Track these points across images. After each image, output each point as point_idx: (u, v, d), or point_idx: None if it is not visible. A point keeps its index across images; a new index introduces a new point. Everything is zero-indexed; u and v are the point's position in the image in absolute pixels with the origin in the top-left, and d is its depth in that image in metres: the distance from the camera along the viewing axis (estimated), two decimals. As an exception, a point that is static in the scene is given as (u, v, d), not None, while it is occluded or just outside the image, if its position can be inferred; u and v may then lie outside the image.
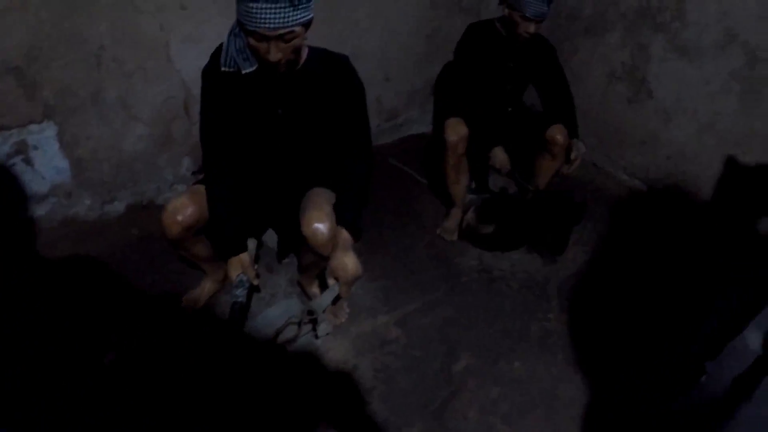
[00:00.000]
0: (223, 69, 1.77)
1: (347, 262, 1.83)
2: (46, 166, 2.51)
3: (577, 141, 2.67)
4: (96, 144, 2.59)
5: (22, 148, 2.41)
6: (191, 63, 2.59)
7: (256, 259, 2.20)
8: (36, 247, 2.52)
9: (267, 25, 1.58)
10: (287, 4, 1.57)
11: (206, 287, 2.30)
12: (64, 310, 2.20)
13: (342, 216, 1.87)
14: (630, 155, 3.34)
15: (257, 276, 1.97)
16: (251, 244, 2.08)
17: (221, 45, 1.77)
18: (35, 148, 2.44)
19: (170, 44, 2.54)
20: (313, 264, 2.12)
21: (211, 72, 1.83)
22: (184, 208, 1.88)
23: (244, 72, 1.75)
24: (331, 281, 1.88)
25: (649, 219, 3.08)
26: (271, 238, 2.26)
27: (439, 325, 2.29)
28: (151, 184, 2.81)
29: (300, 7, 1.60)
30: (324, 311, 1.93)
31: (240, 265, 1.90)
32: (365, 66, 3.19)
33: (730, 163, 2.85)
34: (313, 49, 1.87)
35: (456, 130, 2.50)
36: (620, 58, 3.24)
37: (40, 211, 2.59)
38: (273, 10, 1.56)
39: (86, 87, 2.45)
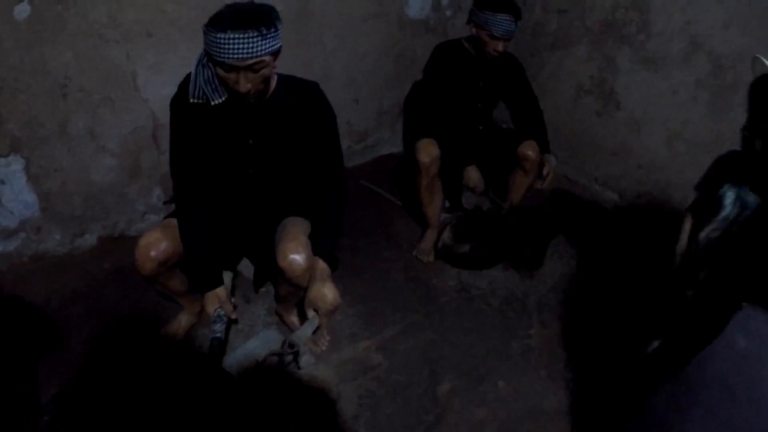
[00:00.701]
0: (191, 100, 1.72)
1: (326, 292, 1.78)
2: (14, 200, 2.44)
3: (548, 155, 2.66)
4: (65, 176, 2.51)
5: (-12, 183, 2.32)
6: (158, 92, 2.53)
7: (233, 291, 2.13)
8: (6, 283, 2.42)
9: (235, 56, 1.54)
10: (256, 34, 1.53)
11: (183, 321, 2.23)
12: (37, 347, 2.12)
13: (318, 246, 1.82)
14: (602, 166, 3.35)
15: (235, 308, 1.91)
16: (227, 277, 2.03)
17: (189, 75, 1.72)
18: (2, 182, 2.37)
19: (137, 73, 2.48)
20: (291, 294, 2.06)
21: (179, 103, 1.78)
22: (157, 243, 1.82)
23: (213, 103, 1.70)
24: (310, 313, 1.82)
25: (623, 228, 3.08)
26: (246, 267, 2.20)
27: (420, 348, 2.25)
28: (123, 216, 2.73)
29: (269, 36, 1.56)
30: (304, 342, 1.87)
31: (217, 300, 1.85)
32: (334, 89, 3.15)
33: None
34: (282, 77, 1.83)
35: (428, 152, 2.47)
36: (588, 72, 3.25)
37: (8, 246, 2.51)
38: (241, 41, 1.52)
39: (53, 118, 2.38)
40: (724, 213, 1.51)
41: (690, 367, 1.81)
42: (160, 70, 2.51)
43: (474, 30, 2.48)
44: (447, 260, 2.68)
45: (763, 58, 1.32)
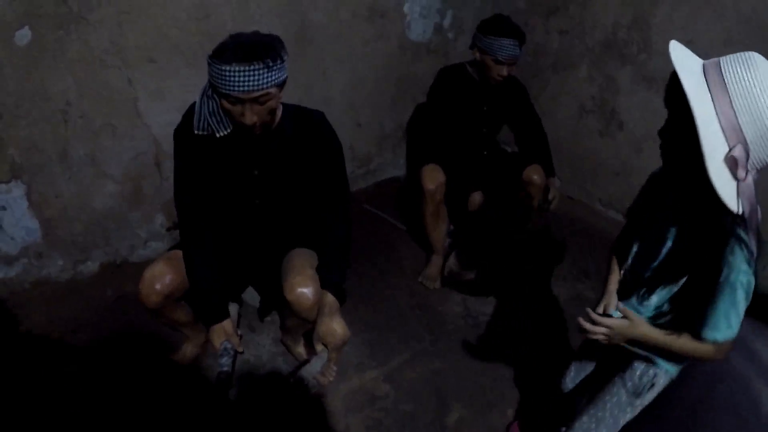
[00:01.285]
0: (196, 132, 1.67)
1: (336, 327, 1.71)
2: (15, 226, 2.38)
3: (553, 179, 2.62)
4: (66, 202, 2.46)
5: (-11, 209, 2.27)
6: (160, 118, 2.48)
7: (238, 322, 2.08)
8: (6, 310, 2.37)
9: (241, 88, 1.49)
10: (261, 66, 1.48)
11: (188, 351, 2.17)
12: (39, 378, 2.07)
13: (326, 279, 1.77)
14: (604, 186, 3.31)
15: (241, 339, 1.86)
16: (233, 309, 1.98)
17: (193, 105, 1.68)
18: (3, 208, 2.32)
19: (138, 99, 2.43)
20: (298, 326, 2.01)
21: (183, 133, 1.73)
22: (162, 276, 1.77)
23: (218, 136, 1.65)
24: (319, 347, 1.77)
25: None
26: (252, 296, 2.15)
27: (428, 377, 2.20)
28: (125, 242, 2.68)
29: (274, 68, 1.52)
30: (313, 377, 1.82)
31: (224, 333, 1.78)
32: (335, 113, 3.10)
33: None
34: (287, 106, 1.79)
35: (433, 178, 2.43)
36: (589, 92, 3.22)
37: (10, 272, 2.46)
38: (247, 73, 1.48)
39: (53, 144, 2.33)
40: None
41: (696, 392, 1.77)
42: (162, 96, 2.46)
43: (478, 55, 2.44)
44: (453, 287, 2.63)
45: (676, 45, 1.20)
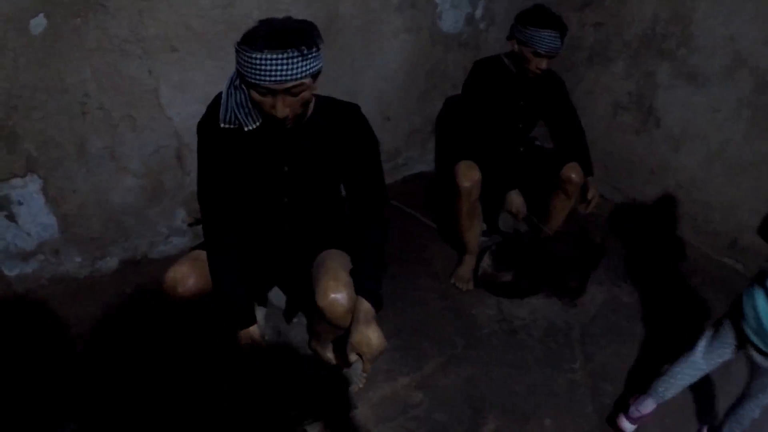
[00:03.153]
0: (222, 125, 1.50)
1: (371, 336, 1.53)
2: (32, 222, 2.24)
3: (592, 178, 2.43)
4: (83, 198, 2.30)
5: (4, 204, 2.14)
6: (183, 110, 2.32)
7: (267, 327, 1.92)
8: (23, 307, 2.25)
9: (273, 78, 1.33)
10: (296, 54, 1.32)
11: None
12: (56, 374, 1.95)
13: (362, 284, 1.59)
14: (638, 186, 3.12)
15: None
16: (260, 314, 1.82)
17: (218, 96, 1.51)
18: (19, 203, 2.17)
19: (160, 90, 2.26)
20: (328, 332, 1.85)
21: (208, 126, 1.56)
22: (184, 280, 1.59)
23: (246, 129, 1.48)
24: (353, 356, 1.60)
25: (662, 250, 2.86)
26: (277, 296, 1.99)
27: (461, 384, 2.03)
28: (145, 239, 2.52)
29: (310, 56, 1.35)
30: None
31: (249, 339, 1.63)
32: (363, 106, 2.84)
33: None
34: (320, 99, 1.62)
35: (469, 175, 2.25)
36: (626, 88, 3.03)
37: (26, 269, 2.31)
38: (280, 62, 1.31)
39: (71, 138, 2.17)
40: None
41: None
42: (184, 88, 2.29)
43: (516, 47, 2.26)
44: (487, 288, 2.45)
45: None
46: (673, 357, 1.78)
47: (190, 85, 2.30)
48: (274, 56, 1.30)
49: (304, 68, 1.35)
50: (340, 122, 1.62)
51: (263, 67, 1.31)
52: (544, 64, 2.22)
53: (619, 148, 3.15)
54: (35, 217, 2.23)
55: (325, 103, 1.63)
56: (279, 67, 1.32)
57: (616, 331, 2.32)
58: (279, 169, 1.62)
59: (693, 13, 2.66)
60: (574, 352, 2.21)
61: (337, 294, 1.55)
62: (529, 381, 2.06)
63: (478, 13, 3.13)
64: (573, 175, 2.37)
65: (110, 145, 2.27)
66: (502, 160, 2.40)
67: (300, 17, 2.47)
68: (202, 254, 1.64)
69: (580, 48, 3.20)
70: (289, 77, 1.33)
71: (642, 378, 2.08)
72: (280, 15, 2.46)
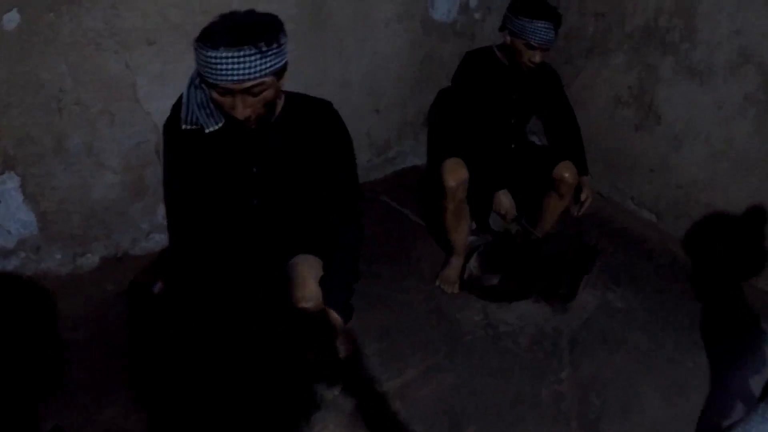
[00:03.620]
0: (184, 126, 1.43)
1: (338, 347, 1.49)
2: (11, 219, 2.19)
3: (586, 178, 2.32)
4: (63, 194, 2.25)
5: (-17, 202, 2.08)
6: (162, 104, 2.18)
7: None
8: (4, 305, 2.18)
9: (230, 78, 1.24)
10: (254, 52, 1.23)
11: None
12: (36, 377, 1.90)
13: (330, 296, 1.52)
14: (638, 184, 2.99)
15: None
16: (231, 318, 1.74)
17: (182, 96, 1.43)
18: (-3, 200, 2.11)
19: (138, 84, 2.19)
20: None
21: (172, 127, 1.49)
22: None
23: (207, 131, 1.40)
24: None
25: (660, 252, 2.74)
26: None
27: (441, 394, 1.94)
28: (126, 235, 2.45)
29: (269, 54, 1.26)
30: None
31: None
32: (353, 97, 2.85)
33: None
34: (290, 95, 1.53)
35: (455, 174, 2.14)
36: (626, 82, 2.89)
37: (7, 266, 2.26)
38: (236, 60, 1.22)
39: (48, 134, 2.12)
40: None
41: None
42: (163, 81, 2.21)
43: (508, 38, 2.14)
44: (473, 292, 2.35)
45: None
46: (666, 367, 1.67)
47: (168, 78, 2.22)
48: (230, 54, 1.22)
49: (262, 66, 1.26)
50: (312, 120, 1.53)
51: (219, 66, 1.23)
52: (537, 56, 2.10)
53: (618, 144, 3.02)
54: (14, 214, 2.18)
55: (296, 100, 1.54)
56: (235, 66, 1.23)
57: (608, 339, 2.21)
58: (248, 171, 1.54)
59: (697, 5, 2.51)
60: (561, 361, 2.10)
61: (305, 305, 1.49)
62: (512, 392, 1.97)
63: (473, 2, 3.00)
64: (566, 175, 2.26)
65: (88, 141, 2.20)
66: (492, 158, 2.27)
67: (285, 5, 2.40)
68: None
69: (580, 39, 3.06)
70: (246, 76, 1.25)
71: (631, 391, 1.99)
72: (262, 3, 2.37)
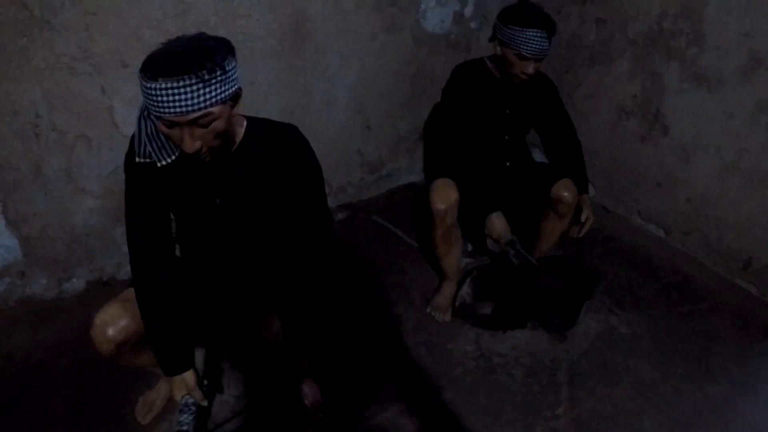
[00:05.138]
0: (137, 160, 1.31)
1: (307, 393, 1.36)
2: (-5, 244, 2.11)
3: (586, 197, 2.13)
4: (44, 220, 2.17)
5: (-36, 228, 2.02)
6: (140, 128, 2.12)
7: (206, 370, 1.72)
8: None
9: (172, 110, 1.11)
10: (195, 81, 1.09)
11: (163, 389, 1.84)
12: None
13: (294, 345, 1.39)
14: (645, 198, 2.77)
15: (206, 389, 1.55)
16: (200, 356, 1.63)
17: None
18: (-21, 227, 2.04)
19: (114, 108, 2.09)
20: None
21: (129, 160, 1.37)
22: (115, 321, 1.44)
23: (159, 165, 1.28)
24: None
25: (668, 270, 2.53)
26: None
27: (428, 432, 1.78)
28: (110, 260, 2.36)
29: (213, 82, 1.12)
30: None
31: (184, 387, 1.47)
32: (341, 116, 2.70)
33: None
34: (252, 121, 1.40)
35: (444, 196, 1.97)
36: (631, 91, 2.68)
37: (-6, 291, 2.19)
38: (177, 91, 1.09)
39: (26, 160, 2.04)
40: None
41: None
42: (139, 104, 2.09)
43: (498, 49, 1.96)
44: (466, 320, 2.17)
45: None
46: (672, 400, 1.47)
47: (145, 101, 2.11)
48: (169, 85, 1.09)
49: (207, 96, 1.12)
50: (276, 147, 1.40)
51: (159, 98, 1.10)
52: (530, 68, 1.92)
53: (623, 157, 2.81)
54: (-3, 239, 2.10)
55: (259, 126, 1.41)
56: (176, 98, 1.10)
57: (610, 370, 2.01)
58: (210, 203, 1.41)
59: (704, 8, 2.29)
60: (559, 396, 1.91)
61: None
62: (504, 430, 1.80)
63: (468, 10, 2.82)
64: (565, 194, 2.06)
65: (67, 167, 2.12)
66: (485, 177, 2.09)
67: (263, 22, 2.26)
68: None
69: (581, 47, 2.86)
70: (189, 108, 1.12)
71: (633, 428, 1.80)
72: (240, 21, 2.25)
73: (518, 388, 1.94)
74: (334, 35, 2.50)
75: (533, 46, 1.85)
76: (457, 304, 2.15)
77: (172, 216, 1.46)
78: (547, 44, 1.88)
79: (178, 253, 1.56)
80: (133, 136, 1.36)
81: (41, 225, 2.16)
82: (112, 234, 2.31)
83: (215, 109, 1.16)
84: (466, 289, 2.13)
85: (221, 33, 2.16)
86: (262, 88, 2.38)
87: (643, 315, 2.27)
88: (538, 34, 1.84)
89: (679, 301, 2.36)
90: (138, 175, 1.37)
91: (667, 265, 2.57)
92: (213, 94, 1.13)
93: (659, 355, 2.08)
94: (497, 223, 2.02)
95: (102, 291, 2.33)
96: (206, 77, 1.11)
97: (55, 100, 1.98)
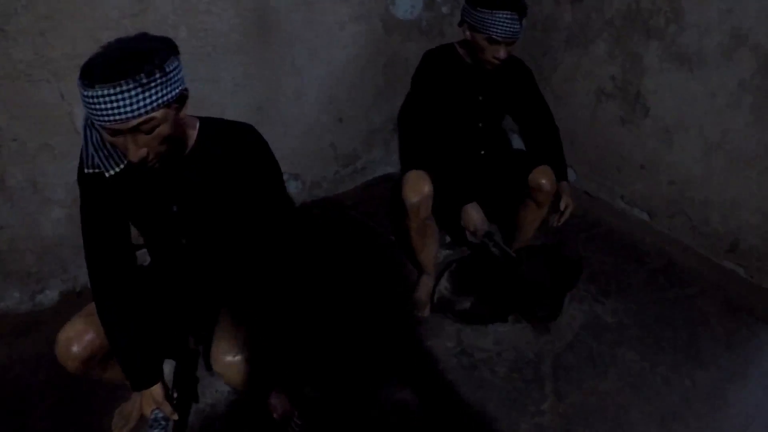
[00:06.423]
0: (86, 170, 1.25)
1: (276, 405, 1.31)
2: (-38, 260, 2.03)
3: (565, 184, 2.05)
4: (12, 233, 2.09)
5: (-71, 244, 1.93)
6: (103, 133, 2.05)
7: (176, 383, 1.67)
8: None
9: (111, 118, 1.04)
10: (133, 86, 1.02)
11: (137, 401, 1.78)
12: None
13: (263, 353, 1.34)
14: (628, 182, 2.70)
15: (176, 402, 1.50)
16: (168, 368, 1.58)
17: None
18: (-54, 241, 1.96)
19: (75, 114, 2.00)
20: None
21: (80, 171, 1.33)
22: (79, 337, 1.42)
23: (107, 175, 1.21)
24: None
25: (654, 254, 2.47)
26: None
27: (409, 434, 1.72)
28: (83, 269, 2.23)
29: (152, 86, 1.05)
30: None
31: (152, 401, 1.42)
32: (311, 109, 2.61)
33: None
34: (205, 122, 1.33)
35: (417, 189, 1.90)
36: (609, 72, 2.59)
37: (-34, 307, 2.11)
38: (114, 98, 1.02)
39: (-12, 173, 1.94)
40: None
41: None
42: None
43: (468, 33, 1.88)
44: (446, 315, 2.10)
45: None
46: (661, 390, 1.42)
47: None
48: (106, 92, 1.02)
49: (147, 101, 1.05)
50: (231, 147, 1.34)
51: (98, 106, 1.03)
52: (501, 52, 1.84)
53: (604, 140, 2.73)
54: (-34, 253, 2.03)
55: (213, 126, 1.34)
56: (115, 105, 1.03)
57: (596, 361, 1.96)
58: (167, 210, 1.35)
59: (683, -16, 2.22)
60: (543, 390, 1.86)
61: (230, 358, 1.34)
62: (488, 428, 1.74)
63: (439, -5, 2.73)
64: (543, 181, 1.99)
65: (31, 177, 2.04)
66: (459, 167, 2.01)
67: (225, 16, 2.18)
68: None
69: (557, 29, 2.77)
70: (129, 114, 1.05)
71: (621, 420, 1.75)
72: (201, 16, 2.15)
73: (502, 384, 1.88)
74: (301, 26, 2.40)
75: (503, 28, 1.77)
76: (435, 299, 2.08)
77: (132, 225, 1.41)
78: (518, 27, 1.79)
79: (148, 260, 1.51)
80: (82, 147, 1.30)
81: (9, 238, 2.09)
82: (82, 242, 2.24)
83: (158, 114, 1.09)
84: (444, 283, 2.06)
85: (182, 31, 2.12)
86: (227, 85, 2.29)
87: (629, 302, 2.21)
88: (509, 16, 1.76)
89: (665, 286, 2.30)
90: (89, 186, 1.32)
91: (653, 250, 2.51)
92: (154, 98, 1.06)
93: (647, 344, 2.03)
94: (473, 214, 1.94)
95: (76, 302, 2.27)
96: (144, 81, 1.04)
97: (13, 109, 1.89)
